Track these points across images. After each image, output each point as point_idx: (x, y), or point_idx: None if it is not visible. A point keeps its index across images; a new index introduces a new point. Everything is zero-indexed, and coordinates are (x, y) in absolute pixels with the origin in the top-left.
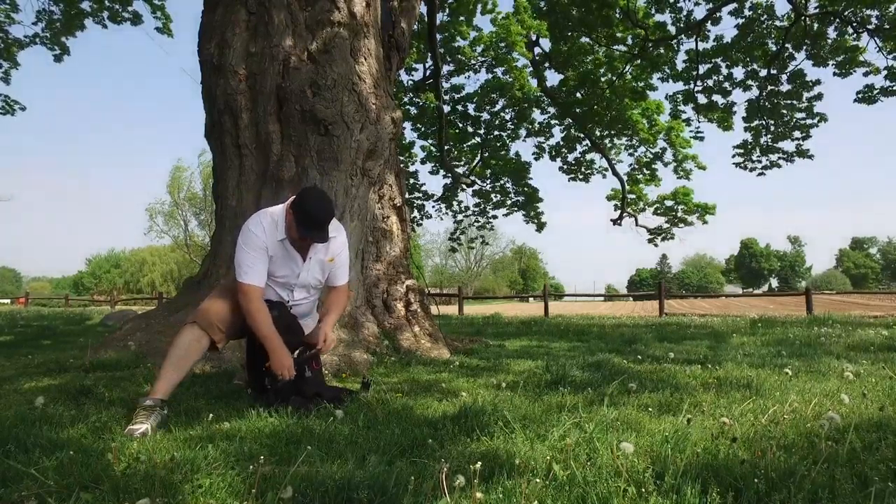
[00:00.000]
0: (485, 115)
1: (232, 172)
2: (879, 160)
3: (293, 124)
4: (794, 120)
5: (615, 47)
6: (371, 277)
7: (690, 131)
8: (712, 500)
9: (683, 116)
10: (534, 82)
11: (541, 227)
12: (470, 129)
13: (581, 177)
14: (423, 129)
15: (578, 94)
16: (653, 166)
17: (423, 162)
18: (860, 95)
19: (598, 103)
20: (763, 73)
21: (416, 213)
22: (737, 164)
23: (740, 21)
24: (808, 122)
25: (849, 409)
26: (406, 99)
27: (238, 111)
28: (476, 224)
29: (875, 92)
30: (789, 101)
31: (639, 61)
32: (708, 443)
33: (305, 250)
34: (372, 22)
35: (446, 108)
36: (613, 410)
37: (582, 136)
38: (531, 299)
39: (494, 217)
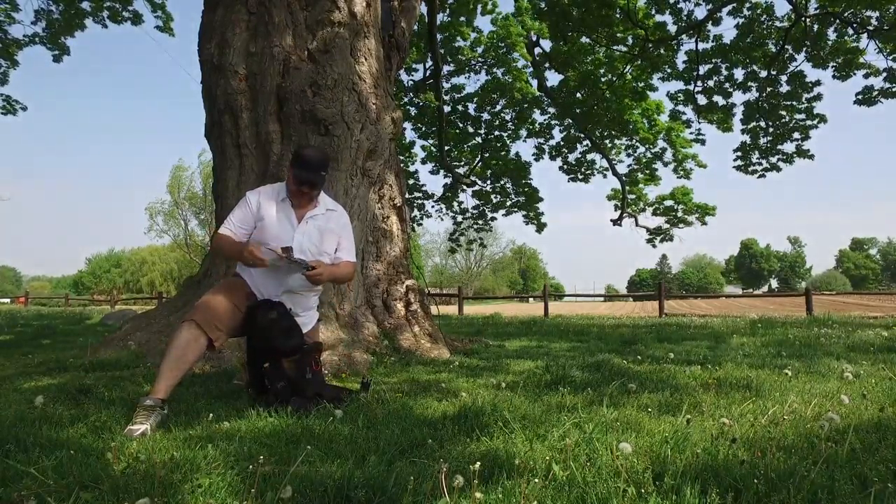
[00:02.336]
0: (485, 116)
1: (232, 172)
2: (880, 161)
3: (293, 124)
4: (794, 121)
5: (615, 48)
6: (371, 277)
7: (691, 133)
8: (712, 501)
9: (683, 118)
10: (534, 83)
11: (540, 227)
12: (470, 130)
13: (581, 177)
14: (423, 129)
15: (578, 95)
16: (653, 166)
17: (423, 162)
18: (860, 97)
19: (599, 104)
20: (763, 74)
21: (416, 213)
22: (737, 168)
23: (740, 21)
24: (808, 123)
25: (848, 410)
26: (406, 99)
27: (238, 111)
28: (475, 226)
29: (875, 94)
30: (789, 103)
31: (639, 62)
32: (707, 443)
33: (302, 211)
34: (372, 22)
35: (446, 109)
36: (613, 411)
37: (582, 136)
38: (531, 299)
39: (493, 219)
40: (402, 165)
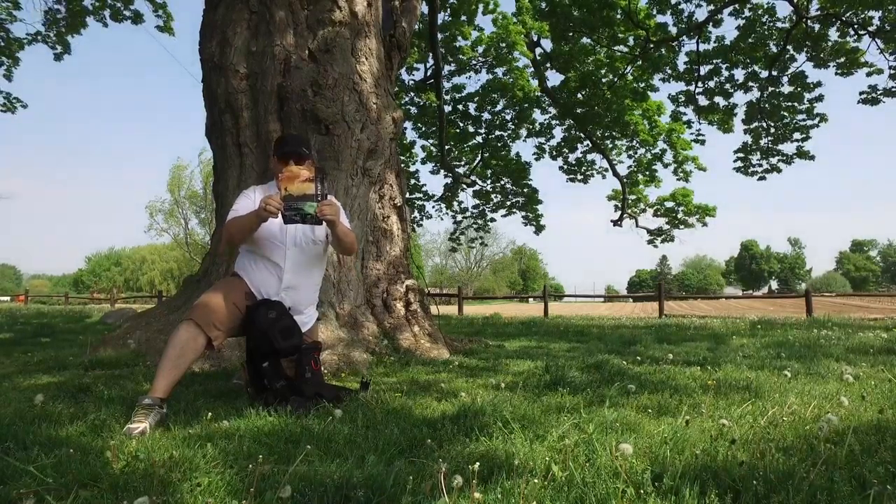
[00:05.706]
0: (485, 115)
1: (232, 171)
2: (880, 162)
3: (294, 123)
4: (795, 121)
5: (616, 48)
6: (371, 277)
7: (691, 133)
8: (711, 502)
9: (684, 118)
10: (535, 82)
11: (539, 229)
12: (471, 129)
13: (581, 177)
14: (423, 128)
15: (579, 95)
16: (653, 167)
17: (423, 162)
18: (863, 97)
19: (599, 104)
20: (764, 74)
21: (416, 213)
22: (737, 170)
23: (741, 22)
24: (809, 122)
25: (848, 412)
26: (407, 99)
27: (239, 110)
28: (475, 225)
29: (878, 93)
30: (790, 103)
31: (640, 62)
32: (707, 444)
33: None
34: (373, 21)
35: (447, 108)
36: (612, 411)
37: (582, 136)
38: (531, 300)
39: (493, 220)
40: (402, 165)
